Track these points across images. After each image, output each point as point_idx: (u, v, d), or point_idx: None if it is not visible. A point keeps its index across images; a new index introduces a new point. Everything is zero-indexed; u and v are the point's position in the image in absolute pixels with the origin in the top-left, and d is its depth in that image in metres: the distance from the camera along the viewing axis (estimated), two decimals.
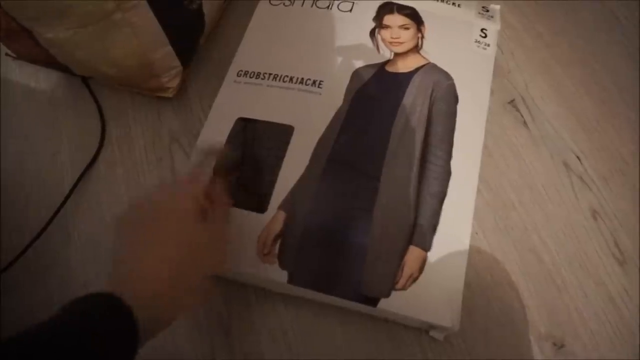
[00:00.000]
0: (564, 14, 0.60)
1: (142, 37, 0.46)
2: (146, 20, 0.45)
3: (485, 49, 0.51)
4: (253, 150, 0.47)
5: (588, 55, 0.57)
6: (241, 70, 0.51)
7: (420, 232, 0.42)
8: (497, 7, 0.54)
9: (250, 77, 0.51)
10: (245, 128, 0.48)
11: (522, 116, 0.54)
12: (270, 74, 0.50)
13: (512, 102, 0.55)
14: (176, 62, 0.51)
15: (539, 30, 0.59)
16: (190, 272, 0.33)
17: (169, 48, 0.49)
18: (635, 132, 0.53)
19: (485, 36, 0.52)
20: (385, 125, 0.46)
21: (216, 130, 0.48)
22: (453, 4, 0.54)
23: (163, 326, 0.32)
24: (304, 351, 0.44)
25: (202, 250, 0.34)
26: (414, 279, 0.41)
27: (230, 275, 0.45)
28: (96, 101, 0.56)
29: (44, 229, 0.48)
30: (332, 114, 0.48)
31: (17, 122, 0.56)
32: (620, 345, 0.43)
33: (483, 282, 0.46)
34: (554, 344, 0.44)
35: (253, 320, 0.45)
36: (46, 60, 0.50)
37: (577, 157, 0.51)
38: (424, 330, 0.44)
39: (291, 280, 0.42)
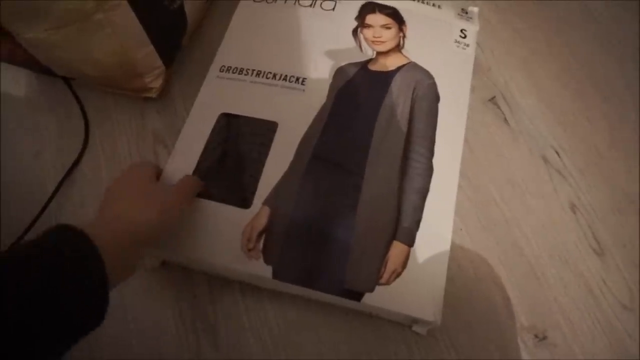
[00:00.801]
0: (540, 10, 0.61)
1: (123, 37, 0.46)
2: (127, 20, 0.45)
3: (464, 49, 0.52)
4: (237, 146, 0.48)
5: (565, 50, 0.58)
6: (224, 66, 0.51)
7: (404, 227, 0.43)
8: (476, 9, 0.55)
9: (233, 73, 0.51)
10: (229, 124, 0.48)
11: (502, 113, 0.55)
12: (253, 70, 0.51)
13: (492, 99, 0.56)
14: (159, 62, 0.51)
15: (517, 27, 0.60)
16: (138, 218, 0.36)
17: (151, 48, 0.49)
18: (610, 124, 0.54)
19: (465, 37, 0.52)
20: (368, 123, 0.47)
21: (198, 127, 0.48)
22: (433, 5, 0.55)
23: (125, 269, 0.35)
24: (290, 348, 0.44)
25: (151, 203, 0.38)
26: (397, 274, 0.41)
27: (215, 271, 0.45)
28: (79, 102, 0.56)
29: (27, 230, 0.48)
30: (315, 110, 0.48)
31: None
32: (599, 335, 0.44)
33: (466, 277, 0.47)
34: (536, 336, 0.45)
35: (239, 318, 0.45)
36: (27, 61, 0.50)
37: (556, 152, 0.52)
38: (407, 325, 0.44)
39: (276, 275, 0.42)
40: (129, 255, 0.35)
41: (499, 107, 0.55)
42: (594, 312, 0.45)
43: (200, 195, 0.45)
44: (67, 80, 0.56)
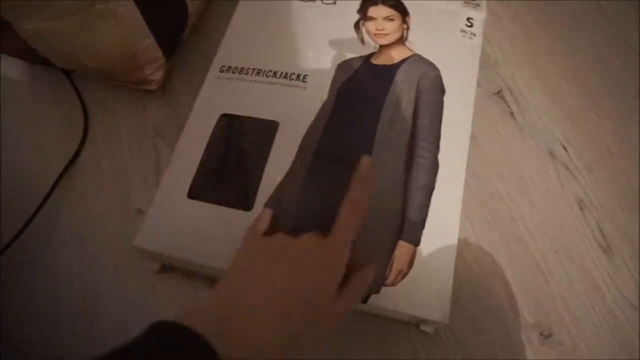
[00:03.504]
0: (549, 4, 0.60)
1: (125, 28, 0.45)
2: (128, 11, 0.44)
3: (471, 38, 0.51)
4: (237, 147, 0.47)
5: (573, 45, 0.58)
6: (224, 66, 0.51)
7: (409, 226, 0.42)
8: None
9: (233, 73, 0.50)
10: (229, 124, 0.48)
11: (509, 107, 0.54)
12: (253, 69, 0.50)
13: (499, 92, 0.55)
14: (159, 54, 0.50)
15: (525, 20, 0.59)
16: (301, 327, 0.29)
17: (152, 39, 0.48)
18: (619, 120, 0.53)
19: (472, 25, 0.51)
20: (371, 118, 0.46)
21: (199, 128, 0.47)
22: None
23: None
24: None
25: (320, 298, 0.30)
26: (403, 274, 0.40)
27: (216, 275, 0.43)
28: (79, 95, 0.55)
29: (28, 222, 0.47)
30: (317, 108, 0.47)
31: None
32: (606, 333, 0.44)
33: (470, 273, 0.46)
34: (541, 334, 0.44)
35: None
36: (27, 53, 0.50)
37: (563, 147, 0.52)
38: (412, 324, 0.44)
39: None
40: None
41: (505, 101, 0.54)
42: (601, 309, 0.45)
43: (201, 198, 0.44)
44: (67, 73, 0.56)
